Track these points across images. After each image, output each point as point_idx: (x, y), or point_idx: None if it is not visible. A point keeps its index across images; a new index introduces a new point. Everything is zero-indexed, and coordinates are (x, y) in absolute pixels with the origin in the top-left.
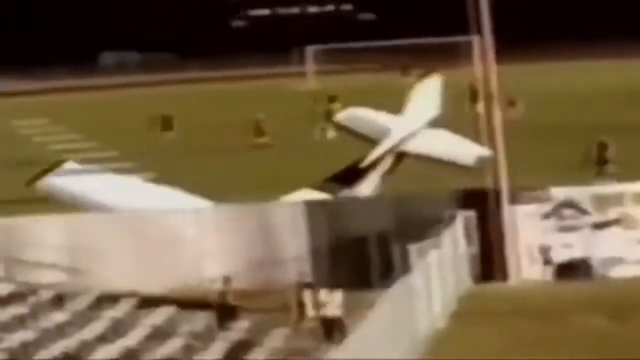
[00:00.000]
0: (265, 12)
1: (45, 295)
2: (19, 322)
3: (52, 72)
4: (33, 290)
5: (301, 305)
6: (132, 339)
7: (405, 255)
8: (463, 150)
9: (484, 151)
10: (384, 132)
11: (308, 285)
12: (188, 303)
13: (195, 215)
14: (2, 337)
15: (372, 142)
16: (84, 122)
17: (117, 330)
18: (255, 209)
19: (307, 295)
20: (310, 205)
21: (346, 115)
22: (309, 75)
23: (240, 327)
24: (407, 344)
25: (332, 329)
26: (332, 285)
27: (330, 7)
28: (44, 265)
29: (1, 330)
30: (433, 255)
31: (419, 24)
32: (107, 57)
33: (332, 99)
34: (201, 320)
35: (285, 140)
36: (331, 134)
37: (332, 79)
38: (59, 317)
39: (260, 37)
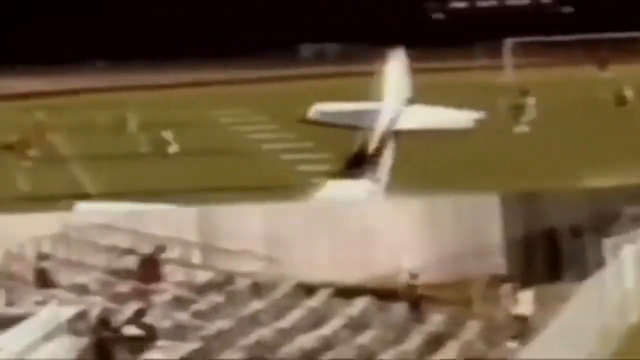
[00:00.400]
0: (464, 4)
1: (242, 283)
2: (216, 310)
3: (253, 63)
4: (230, 278)
5: (492, 299)
6: (328, 328)
7: (598, 250)
8: (454, 116)
9: (472, 114)
10: (362, 118)
11: (502, 279)
12: (383, 294)
13: (389, 206)
14: (199, 325)
15: (353, 129)
16: (282, 113)
17: (313, 319)
18: (450, 200)
19: (502, 289)
20: (505, 197)
21: (315, 111)
22: (506, 69)
23: (434, 320)
24: (599, 340)
25: (524, 326)
26: (525, 278)
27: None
28: (241, 253)
29: (198, 318)
30: (628, 250)
31: (617, 17)
32: (306, 49)
33: (524, 93)
34: (396, 311)
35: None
36: (522, 127)
37: (527, 73)
38: (255, 305)
39: (459, 30)
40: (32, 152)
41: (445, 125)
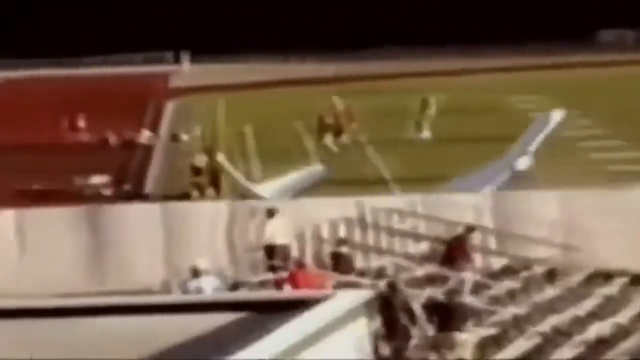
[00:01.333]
0: None
1: (538, 270)
2: (511, 296)
3: (549, 49)
4: (526, 264)
5: None
6: (622, 316)
7: None
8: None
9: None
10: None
11: None
12: None
13: None
14: (494, 310)
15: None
16: (580, 100)
17: (608, 307)
18: None
19: None
20: None
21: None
22: None
23: None
24: None
25: None
26: None
27: None
28: (537, 240)
29: (494, 304)
30: None
31: None
32: (606, 35)
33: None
34: None
35: None
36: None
37: None
38: (550, 292)
39: None
40: (344, 137)
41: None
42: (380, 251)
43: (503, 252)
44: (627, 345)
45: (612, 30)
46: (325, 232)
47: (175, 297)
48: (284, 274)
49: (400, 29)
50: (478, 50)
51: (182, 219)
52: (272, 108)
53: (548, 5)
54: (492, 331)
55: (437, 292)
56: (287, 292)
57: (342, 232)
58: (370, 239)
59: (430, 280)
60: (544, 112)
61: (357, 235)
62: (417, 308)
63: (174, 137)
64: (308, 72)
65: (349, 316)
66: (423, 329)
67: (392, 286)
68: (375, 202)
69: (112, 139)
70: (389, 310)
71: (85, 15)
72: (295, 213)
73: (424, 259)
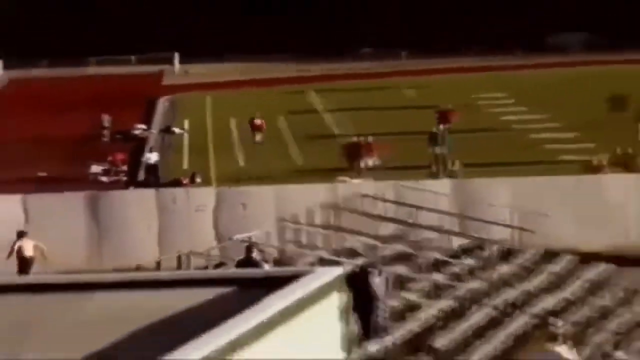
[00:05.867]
0: None
1: (494, 249)
2: (470, 272)
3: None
4: (483, 245)
5: None
6: (569, 291)
7: None
8: None
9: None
10: None
11: None
12: (625, 260)
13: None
14: (455, 286)
15: None
16: (533, 96)
17: (557, 283)
18: None
19: None
20: None
21: None
22: None
23: None
24: None
25: None
26: None
27: None
28: (494, 222)
29: (455, 280)
30: None
31: None
32: (554, 39)
33: None
34: (637, 276)
35: None
36: None
37: None
38: (504, 269)
39: None
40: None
41: None
42: (352, 232)
43: (463, 234)
44: (574, 317)
45: (559, 34)
46: (302, 218)
47: (169, 273)
48: None
49: (373, 36)
50: (448, 53)
51: (176, 205)
52: (253, 104)
53: (508, 14)
54: (452, 304)
55: (402, 269)
56: (272, 270)
57: (318, 217)
58: (343, 222)
59: (396, 258)
60: (505, 108)
61: (331, 219)
62: (379, 283)
63: (166, 130)
64: (284, 72)
65: (326, 290)
66: (384, 302)
67: (363, 265)
68: (347, 189)
69: (112, 131)
70: (359, 284)
71: (92, 20)
72: (274, 201)
73: (391, 238)
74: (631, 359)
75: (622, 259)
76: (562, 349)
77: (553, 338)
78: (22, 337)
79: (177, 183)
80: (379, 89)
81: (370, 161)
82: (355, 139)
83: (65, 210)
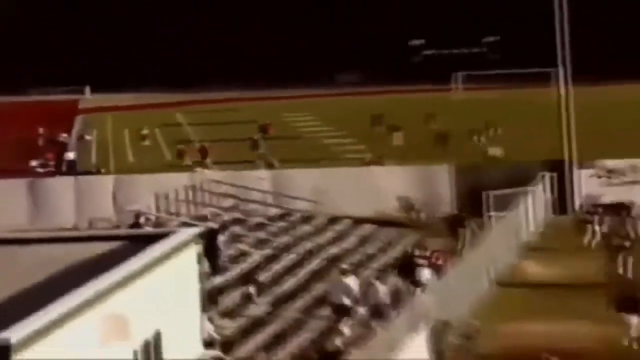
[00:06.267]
0: None
1: (299, 215)
2: (282, 231)
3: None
4: (291, 212)
5: None
6: (346, 242)
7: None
8: None
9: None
10: None
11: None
12: (383, 223)
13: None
14: (273, 240)
15: None
16: (330, 116)
17: (338, 237)
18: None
19: None
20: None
21: None
22: None
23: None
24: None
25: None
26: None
27: None
28: (298, 197)
29: (272, 237)
30: (531, 195)
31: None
32: (341, 76)
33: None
34: (390, 233)
35: None
36: None
37: None
38: (305, 229)
39: None
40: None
41: None
42: (203, 205)
43: (277, 205)
44: (351, 259)
45: (341, 73)
46: (172, 195)
47: (84, 232)
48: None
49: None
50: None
51: (88, 187)
52: (139, 121)
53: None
54: (270, 252)
55: (237, 229)
56: (151, 229)
57: (182, 194)
58: (199, 198)
59: (233, 222)
60: (305, 122)
61: (191, 196)
62: (223, 238)
63: (80, 137)
64: (161, 99)
65: (187, 242)
66: (225, 250)
67: (212, 226)
68: (201, 176)
69: (45, 138)
70: (209, 239)
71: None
72: (154, 184)
73: (230, 209)
74: (386, 287)
75: (381, 222)
76: (349, 280)
77: (343, 272)
78: None
79: (88, 173)
80: (223, 111)
81: (209, 159)
82: (200, 144)
83: (13, 190)
